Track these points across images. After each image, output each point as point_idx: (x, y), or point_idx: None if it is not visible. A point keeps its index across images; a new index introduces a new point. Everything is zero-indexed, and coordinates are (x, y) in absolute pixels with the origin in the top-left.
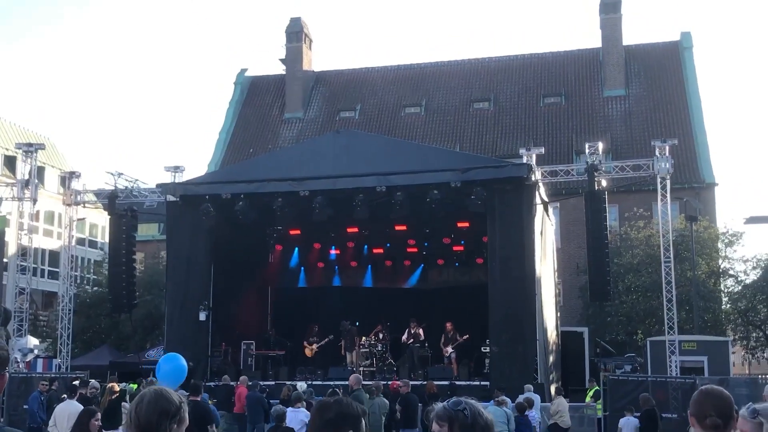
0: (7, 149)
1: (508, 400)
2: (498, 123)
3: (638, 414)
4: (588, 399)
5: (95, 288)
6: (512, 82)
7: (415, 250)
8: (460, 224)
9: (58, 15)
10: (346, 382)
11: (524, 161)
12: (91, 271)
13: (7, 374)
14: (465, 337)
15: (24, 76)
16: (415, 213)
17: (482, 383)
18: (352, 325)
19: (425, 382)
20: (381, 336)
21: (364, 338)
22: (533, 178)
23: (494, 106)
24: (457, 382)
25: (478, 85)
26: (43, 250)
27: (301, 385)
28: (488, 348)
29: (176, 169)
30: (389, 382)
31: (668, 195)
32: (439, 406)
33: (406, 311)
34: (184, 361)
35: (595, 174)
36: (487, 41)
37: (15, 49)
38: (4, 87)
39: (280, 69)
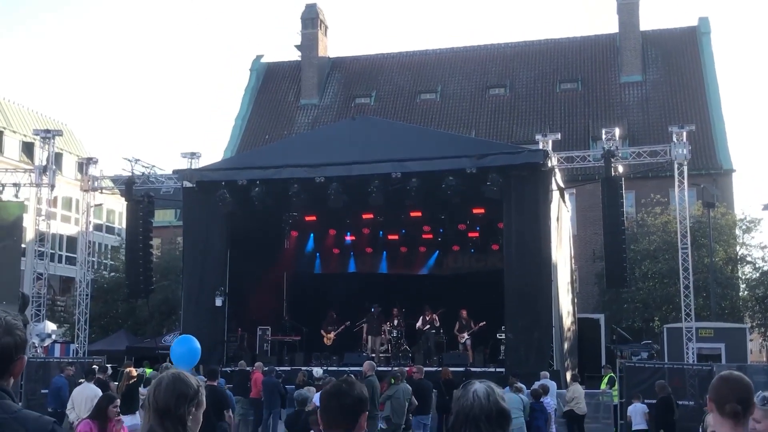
0: (25, 135)
1: (523, 387)
2: (514, 109)
3: (652, 401)
4: (603, 386)
5: (112, 273)
6: (528, 68)
7: (430, 236)
8: (475, 210)
9: (76, 2)
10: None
11: (540, 147)
12: (109, 256)
13: (26, 358)
14: (480, 324)
15: (42, 63)
16: (430, 199)
17: (497, 370)
18: (379, 311)
19: (440, 369)
20: (396, 322)
21: (389, 324)
22: (549, 164)
23: (510, 92)
24: (472, 369)
25: (493, 71)
26: (61, 236)
27: (317, 371)
28: (504, 334)
29: (193, 155)
30: (405, 368)
31: (685, 181)
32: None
33: (421, 297)
34: (197, 344)
35: (612, 160)
36: (503, 27)
37: (33, 35)
38: (22, 73)
39: (295, 55)
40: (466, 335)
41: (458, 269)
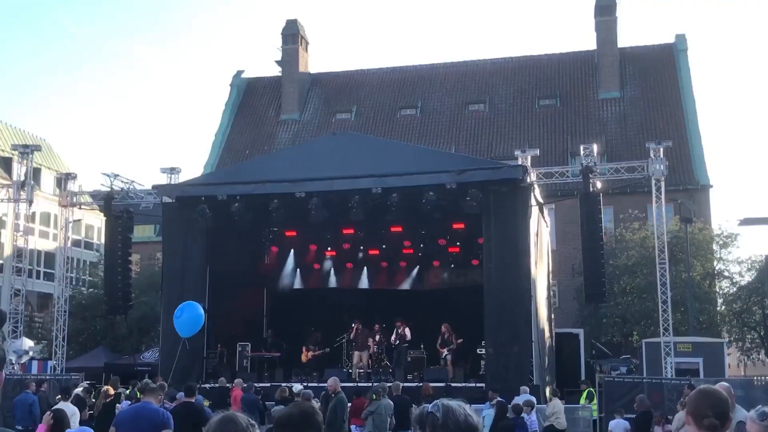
0: (3, 150)
1: (503, 401)
2: (493, 125)
3: (631, 416)
4: (582, 401)
5: (91, 290)
6: (507, 84)
7: (410, 251)
8: (455, 226)
9: (54, 16)
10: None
11: (519, 163)
12: (87, 272)
13: (4, 375)
14: (459, 341)
15: (19, 77)
16: (410, 214)
17: (478, 385)
18: (364, 327)
19: (421, 384)
20: (377, 337)
21: (371, 339)
22: (528, 180)
23: (489, 108)
24: (453, 384)
25: (473, 87)
26: (39, 252)
27: (297, 387)
28: (484, 349)
29: (172, 170)
30: (387, 384)
31: (663, 197)
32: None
33: (401, 312)
34: (201, 309)
35: (590, 176)
36: (482, 43)
37: (10, 49)
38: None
39: (276, 71)
40: (446, 351)
41: (439, 284)
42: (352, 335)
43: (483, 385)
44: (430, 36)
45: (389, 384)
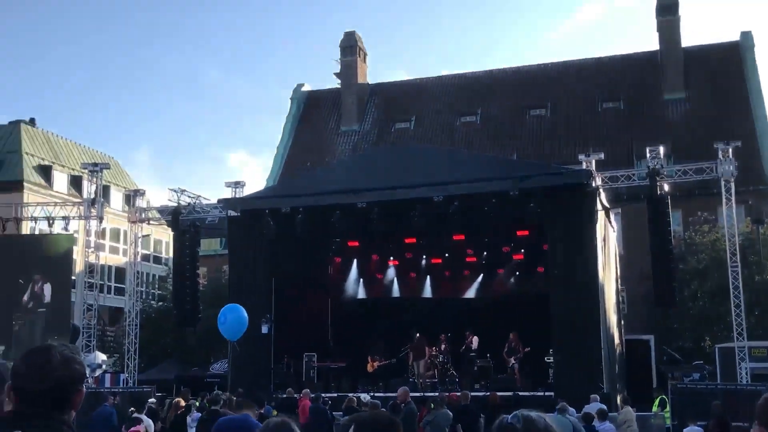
0: (73, 169)
1: (571, 409)
2: (555, 129)
3: (705, 423)
4: (655, 408)
5: (160, 303)
6: (569, 88)
7: (474, 259)
8: (519, 233)
9: (115, 37)
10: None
11: (584, 167)
12: (156, 286)
13: (84, 390)
14: (526, 349)
15: (87, 98)
16: (473, 222)
17: (546, 394)
18: (422, 336)
19: (488, 394)
20: (443, 347)
21: (435, 349)
22: (593, 185)
23: (551, 112)
24: (521, 393)
25: (534, 91)
26: (110, 267)
27: (365, 397)
28: (552, 358)
29: (237, 184)
30: (445, 394)
31: (733, 198)
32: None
33: (466, 321)
34: (244, 312)
35: (657, 178)
36: (542, 48)
37: (78, 72)
38: (69, 109)
39: (335, 83)
40: (513, 359)
41: (504, 292)
42: (410, 345)
43: (552, 393)
44: (488, 42)
45: (457, 393)
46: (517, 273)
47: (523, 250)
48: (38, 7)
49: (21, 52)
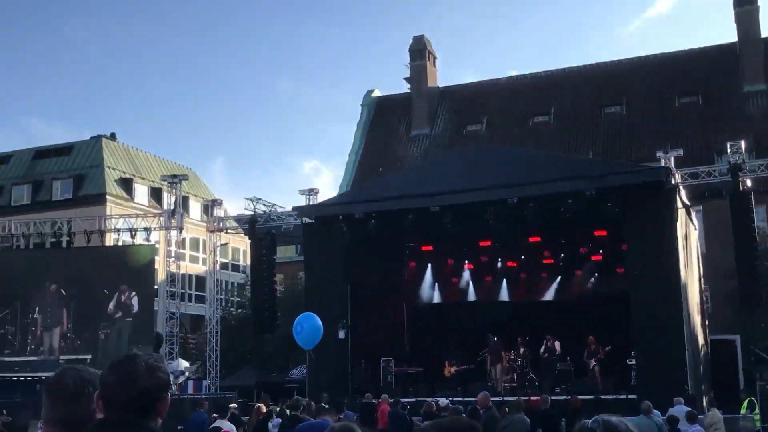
0: (153, 181)
1: (656, 411)
2: (631, 127)
3: None
4: (743, 411)
5: (239, 310)
6: (644, 84)
7: (551, 261)
8: (597, 233)
9: (189, 52)
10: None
11: (662, 164)
12: (235, 293)
13: (169, 397)
14: (607, 348)
15: (164, 112)
16: (549, 224)
17: (629, 396)
18: (499, 339)
19: (569, 397)
20: (521, 351)
21: (513, 353)
22: (673, 182)
23: (627, 109)
24: (603, 396)
25: (608, 89)
26: (190, 276)
27: (443, 401)
28: (634, 360)
29: (310, 192)
30: (522, 399)
31: None
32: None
33: (544, 324)
34: (319, 321)
35: (739, 174)
36: (615, 44)
37: (157, 87)
38: (148, 123)
39: (405, 88)
40: (594, 361)
41: (582, 294)
42: (488, 349)
43: (635, 396)
44: (559, 40)
45: (537, 397)
46: (596, 274)
47: (601, 251)
48: (116, 27)
49: (101, 70)
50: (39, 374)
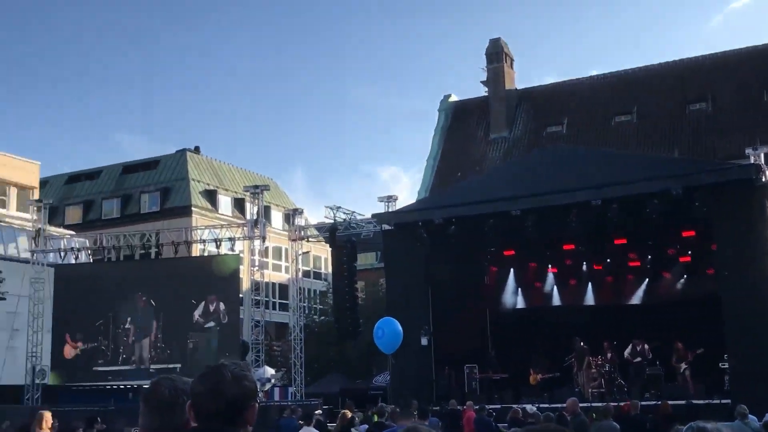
0: (236, 192)
1: (752, 417)
2: (718, 123)
3: None
4: None
5: (322, 317)
6: (730, 79)
7: (637, 263)
8: (684, 234)
9: (266, 64)
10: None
11: (752, 161)
12: (318, 301)
13: (257, 405)
14: (698, 351)
15: (244, 124)
16: (634, 225)
17: (723, 401)
18: (585, 344)
19: (659, 403)
20: (608, 355)
21: (600, 358)
22: (763, 179)
23: (712, 105)
24: (695, 402)
25: (693, 85)
26: (273, 284)
27: (530, 408)
28: (727, 363)
29: (389, 198)
30: (611, 405)
31: None
32: None
33: (632, 329)
34: (399, 325)
35: None
36: (696, 40)
37: (237, 100)
38: (229, 136)
39: (482, 91)
40: (684, 365)
41: (671, 296)
42: (574, 354)
43: (728, 401)
44: (639, 38)
45: (623, 403)
46: (685, 276)
47: (689, 252)
48: (195, 45)
49: (184, 86)
50: (131, 383)
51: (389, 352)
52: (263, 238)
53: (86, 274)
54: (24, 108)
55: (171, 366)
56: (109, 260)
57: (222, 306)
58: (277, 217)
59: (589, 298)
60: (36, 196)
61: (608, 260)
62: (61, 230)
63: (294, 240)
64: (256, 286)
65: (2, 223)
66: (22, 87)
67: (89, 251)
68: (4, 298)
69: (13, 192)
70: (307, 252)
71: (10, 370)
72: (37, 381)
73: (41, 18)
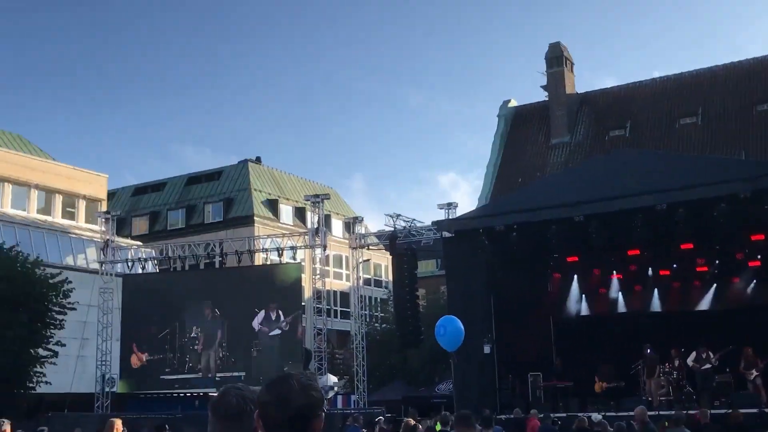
0: (296, 201)
1: None
2: None
3: None
4: None
5: (384, 325)
6: None
7: (705, 269)
8: (754, 237)
9: (322, 73)
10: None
11: None
12: (379, 309)
13: (323, 415)
14: (766, 361)
15: (304, 134)
16: (701, 229)
17: None
18: (654, 352)
19: (729, 411)
20: (676, 363)
21: (668, 365)
22: None
23: None
24: (767, 410)
25: (760, 84)
26: (335, 292)
27: (596, 417)
28: None
29: (449, 206)
30: (684, 413)
31: None
32: None
33: (700, 335)
34: (460, 324)
35: None
36: (760, 40)
37: (296, 110)
38: (290, 146)
39: (542, 96)
40: (754, 372)
41: (741, 302)
42: (643, 361)
43: None
44: (701, 39)
45: (693, 412)
46: (755, 281)
47: (759, 256)
48: (253, 57)
49: (245, 97)
50: (197, 391)
51: (451, 349)
52: (324, 247)
53: (153, 283)
54: (93, 123)
55: (236, 374)
56: (174, 270)
57: (283, 314)
58: (337, 226)
59: (656, 305)
60: (104, 208)
61: (674, 265)
62: (129, 241)
63: (354, 248)
64: (317, 295)
65: (72, 235)
66: (91, 103)
67: (155, 261)
68: (75, 308)
69: (82, 204)
70: (368, 260)
71: (81, 378)
72: (106, 389)
73: (107, 36)
